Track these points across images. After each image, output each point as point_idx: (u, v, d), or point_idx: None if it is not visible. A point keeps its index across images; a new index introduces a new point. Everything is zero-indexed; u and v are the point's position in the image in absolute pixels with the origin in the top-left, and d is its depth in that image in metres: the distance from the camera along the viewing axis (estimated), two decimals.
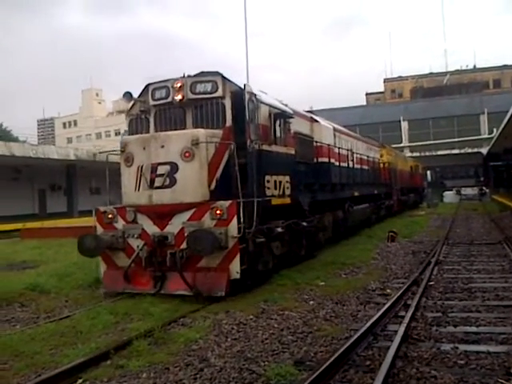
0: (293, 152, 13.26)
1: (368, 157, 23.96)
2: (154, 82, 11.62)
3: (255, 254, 10.66)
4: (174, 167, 10.28)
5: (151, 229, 10.56)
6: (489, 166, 56.18)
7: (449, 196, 55.89)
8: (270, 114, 11.91)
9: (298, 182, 13.49)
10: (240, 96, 10.85)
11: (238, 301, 9.82)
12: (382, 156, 28.72)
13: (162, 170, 10.36)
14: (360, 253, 15.84)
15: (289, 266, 12.87)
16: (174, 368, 6.42)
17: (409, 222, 27.51)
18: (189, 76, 11.28)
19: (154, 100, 11.59)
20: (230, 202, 9.95)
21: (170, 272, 10.16)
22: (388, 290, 10.44)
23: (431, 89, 74.71)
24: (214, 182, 10.54)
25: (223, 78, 11.07)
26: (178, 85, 11.13)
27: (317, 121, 16.35)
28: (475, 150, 59.09)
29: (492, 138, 48.21)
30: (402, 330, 7.18)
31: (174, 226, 10.33)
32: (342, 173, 18.29)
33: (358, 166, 21.55)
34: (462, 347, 6.72)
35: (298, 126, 14.11)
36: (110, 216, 11.11)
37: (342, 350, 6.37)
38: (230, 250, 9.91)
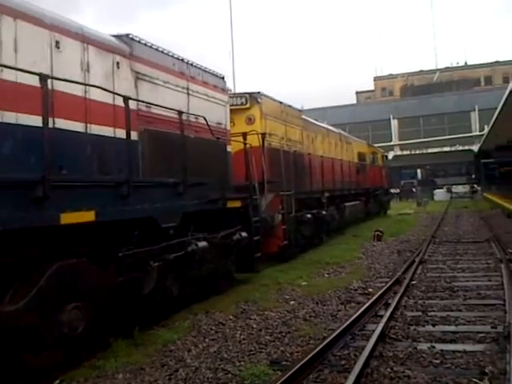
0: None
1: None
2: None
3: None
4: None
5: None
6: (480, 163, 56.18)
7: (439, 194, 56.08)
8: None
9: None
10: None
11: (218, 301, 9.81)
12: (252, 121, 13.70)
13: None
14: (344, 252, 15.84)
15: None
16: (150, 369, 6.39)
17: (397, 221, 27.64)
18: None
19: None
20: None
21: None
22: (370, 289, 10.46)
23: (421, 86, 74.44)
24: None
25: None
26: None
27: None
28: (466, 147, 59.13)
29: (483, 135, 48.23)
30: (379, 329, 7.19)
31: None
32: None
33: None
34: (439, 346, 6.72)
35: None
36: None
37: (316, 350, 6.37)
38: None
